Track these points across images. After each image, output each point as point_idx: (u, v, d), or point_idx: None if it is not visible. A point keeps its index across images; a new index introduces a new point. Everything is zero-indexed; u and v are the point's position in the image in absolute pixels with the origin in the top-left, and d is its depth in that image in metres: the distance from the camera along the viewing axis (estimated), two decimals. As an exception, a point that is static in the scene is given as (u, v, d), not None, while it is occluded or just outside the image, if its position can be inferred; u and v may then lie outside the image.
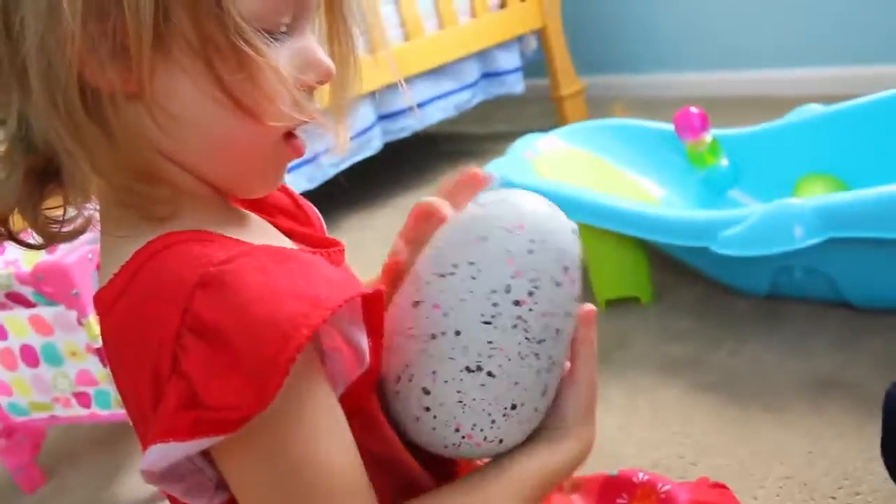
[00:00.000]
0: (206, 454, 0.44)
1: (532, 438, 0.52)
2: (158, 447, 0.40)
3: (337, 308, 0.42)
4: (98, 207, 0.48)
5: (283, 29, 0.45)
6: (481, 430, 0.50)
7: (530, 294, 0.49)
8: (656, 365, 1.22)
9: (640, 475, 0.76)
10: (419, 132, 2.32)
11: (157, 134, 0.43)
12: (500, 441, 0.50)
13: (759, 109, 2.10)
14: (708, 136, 1.52)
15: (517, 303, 0.48)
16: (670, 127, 1.59)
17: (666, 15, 2.70)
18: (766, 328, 1.25)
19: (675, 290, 1.42)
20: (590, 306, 0.54)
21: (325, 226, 0.62)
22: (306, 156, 2.04)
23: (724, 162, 1.54)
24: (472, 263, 0.49)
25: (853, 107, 1.46)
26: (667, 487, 0.73)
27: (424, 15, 2.22)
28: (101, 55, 0.41)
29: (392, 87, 2.17)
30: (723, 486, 0.81)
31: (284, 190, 0.59)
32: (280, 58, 0.44)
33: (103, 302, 0.46)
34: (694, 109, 1.51)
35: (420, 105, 2.24)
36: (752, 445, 1.01)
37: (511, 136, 1.81)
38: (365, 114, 2.13)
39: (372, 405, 0.52)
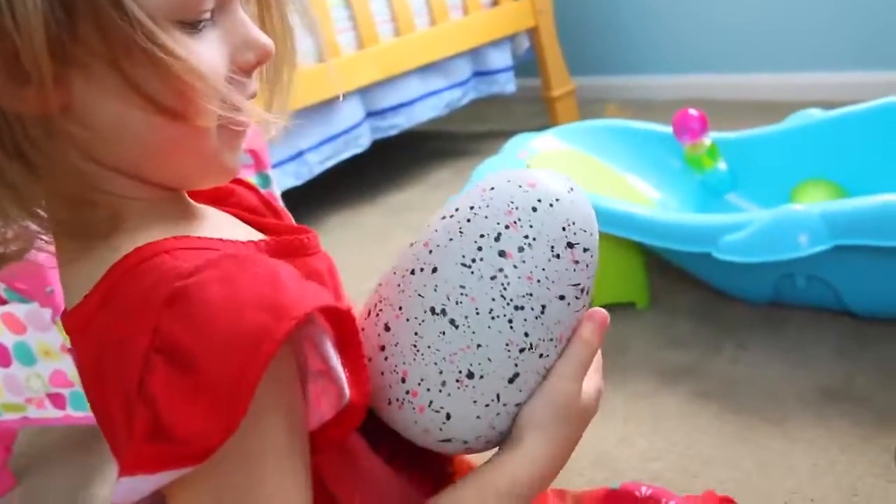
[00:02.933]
0: None
1: (496, 454, 0.48)
2: (127, 481, 0.37)
3: (304, 316, 0.38)
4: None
5: (207, 16, 0.41)
6: (427, 389, 0.45)
7: (520, 250, 0.45)
8: (655, 372, 1.18)
9: (644, 489, 0.72)
10: (408, 130, 2.28)
11: (87, 150, 0.40)
12: (447, 416, 0.45)
13: (755, 114, 2.08)
14: (707, 139, 1.48)
15: (502, 253, 0.45)
16: (667, 129, 1.56)
17: (659, 16, 2.67)
18: (766, 335, 1.22)
19: (671, 295, 1.38)
20: (602, 311, 0.50)
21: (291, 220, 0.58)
22: (292, 152, 2.01)
23: (723, 165, 1.51)
24: (471, 208, 0.46)
25: (853, 112, 1.43)
26: (672, 503, 0.70)
27: (416, 11, 2.18)
28: (5, 80, 0.37)
29: (381, 84, 2.13)
30: (730, 501, 0.78)
31: (252, 189, 0.56)
32: (206, 48, 0.41)
33: (76, 321, 0.42)
34: (693, 112, 1.48)
35: (410, 102, 2.20)
36: (755, 458, 0.98)
37: (501, 136, 1.77)
38: (353, 110, 2.09)
39: (353, 443, 0.48)
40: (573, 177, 1.58)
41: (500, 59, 2.41)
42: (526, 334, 0.45)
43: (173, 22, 0.39)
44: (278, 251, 0.46)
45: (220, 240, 0.44)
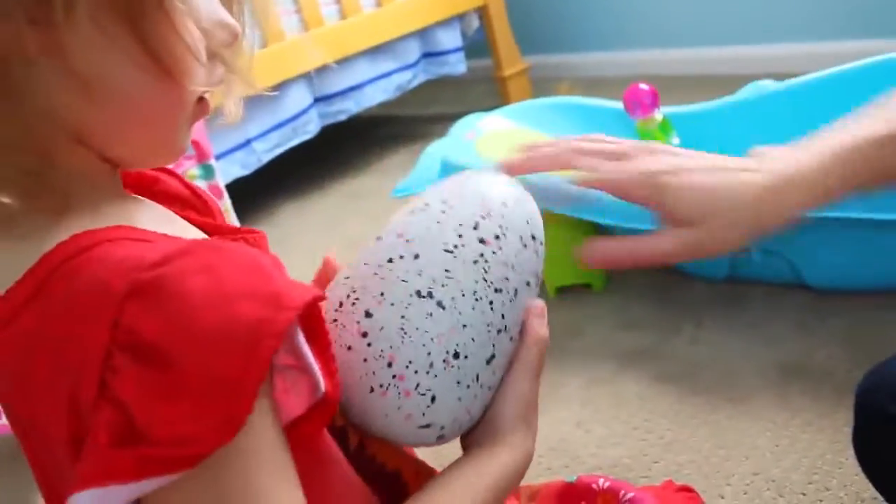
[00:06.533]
0: None
1: (470, 451, 0.50)
2: (92, 493, 0.33)
3: (303, 307, 0.36)
4: None
5: None
6: (415, 371, 0.45)
7: (496, 238, 0.49)
8: (613, 355, 1.15)
9: (601, 481, 0.71)
10: (358, 115, 2.22)
11: (69, 103, 0.37)
12: (432, 399, 0.45)
13: (704, 88, 2.06)
14: (659, 114, 1.45)
15: (482, 241, 0.49)
16: (618, 104, 1.52)
17: (609, -8, 2.64)
18: (725, 313, 1.20)
19: (628, 277, 1.35)
20: (540, 301, 0.52)
21: (225, 217, 0.57)
22: (238, 141, 1.95)
23: (676, 140, 1.48)
24: (444, 201, 0.50)
25: (808, 82, 1.41)
26: (630, 495, 0.68)
27: (361, -9, 2.12)
28: (18, 19, 0.35)
29: (328, 68, 2.07)
30: (689, 490, 0.76)
31: (177, 177, 0.52)
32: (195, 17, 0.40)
33: None
34: (644, 86, 1.44)
35: (358, 86, 2.14)
36: (716, 440, 0.95)
37: (453, 118, 1.73)
38: (300, 96, 2.03)
39: (325, 444, 0.45)
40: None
41: (450, 39, 2.36)
42: (502, 316, 0.48)
43: None
44: None
45: (166, 236, 0.40)
